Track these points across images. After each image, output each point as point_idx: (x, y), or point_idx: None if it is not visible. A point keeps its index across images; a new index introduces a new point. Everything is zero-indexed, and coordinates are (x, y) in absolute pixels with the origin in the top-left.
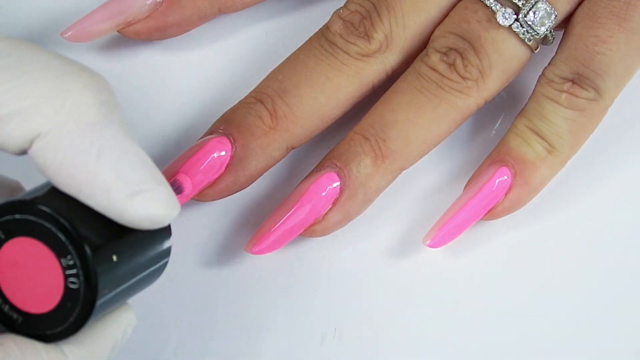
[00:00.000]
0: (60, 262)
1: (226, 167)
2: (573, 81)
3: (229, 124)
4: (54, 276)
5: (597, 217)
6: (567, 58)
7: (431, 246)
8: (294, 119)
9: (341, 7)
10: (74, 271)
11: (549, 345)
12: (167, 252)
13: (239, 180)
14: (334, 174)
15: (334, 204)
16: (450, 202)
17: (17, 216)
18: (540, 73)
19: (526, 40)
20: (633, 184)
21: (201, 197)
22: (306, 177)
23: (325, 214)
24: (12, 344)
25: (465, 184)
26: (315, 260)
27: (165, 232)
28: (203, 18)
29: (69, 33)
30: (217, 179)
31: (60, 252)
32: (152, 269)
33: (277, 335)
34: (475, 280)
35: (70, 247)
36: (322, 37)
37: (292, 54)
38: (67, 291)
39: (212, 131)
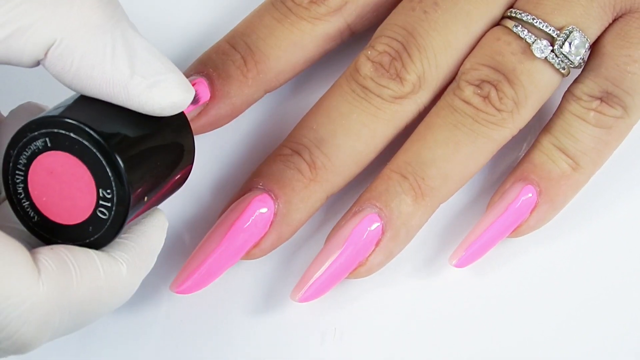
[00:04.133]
0: (91, 172)
1: (270, 225)
2: (601, 99)
3: (268, 179)
4: (87, 186)
5: (621, 232)
6: (596, 76)
7: (457, 266)
8: (333, 169)
9: (368, 48)
10: (106, 184)
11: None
12: (191, 146)
13: (283, 235)
14: (374, 215)
15: (377, 245)
16: (466, 213)
17: (57, 130)
18: (563, 89)
19: (560, 69)
20: None
21: (248, 256)
22: (345, 220)
23: (368, 256)
24: (63, 249)
25: (471, 192)
26: None
27: (184, 125)
28: (251, 103)
29: None
30: (262, 237)
31: (92, 166)
32: (177, 165)
33: (277, 335)
34: (471, 277)
35: (105, 164)
36: (353, 81)
37: (322, 100)
38: (99, 199)
39: (250, 187)
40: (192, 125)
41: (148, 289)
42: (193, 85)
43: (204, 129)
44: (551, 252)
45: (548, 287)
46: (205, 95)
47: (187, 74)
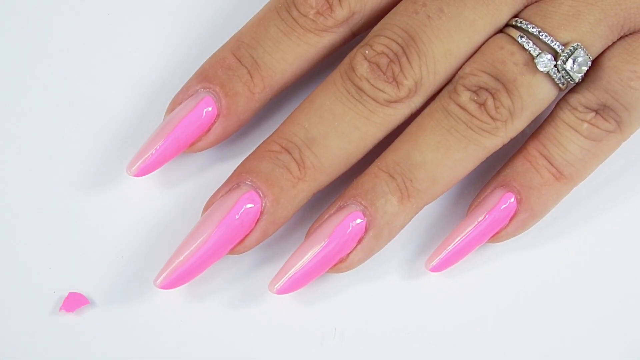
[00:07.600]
0: None
1: (256, 222)
2: (597, 112)
3: (257, 176)
4: None
5: (601, 239)
6: (596, 88)
7: (433, 270)
8: (322, 169)
9: (365, 47)
10: None
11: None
12: None
13: (268, 232)
14: (359, 212)
15: (359, 242)
16: (449, 215)
17: None
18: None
19: (560, 84)
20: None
21: (232, 252)
22: (329, 214)
23: (349, 252)
24: None
25: (458, 193)
26: None
27: None
28: (255, 114)
29: (136, 168)
30: (248, 233)
31: None
32: None
33: (277, 335)
34: (473, 279)
35: None
36: (348, 80)
37: (315, 97)
38: None
39: (237, 182)
40: (201, 143)
41: (132, 284)
42: (200, 103)
43: (212, 145)
44: (546, 253)
45: (549, 288)
46: (213, 113)
47: (192, 86)
